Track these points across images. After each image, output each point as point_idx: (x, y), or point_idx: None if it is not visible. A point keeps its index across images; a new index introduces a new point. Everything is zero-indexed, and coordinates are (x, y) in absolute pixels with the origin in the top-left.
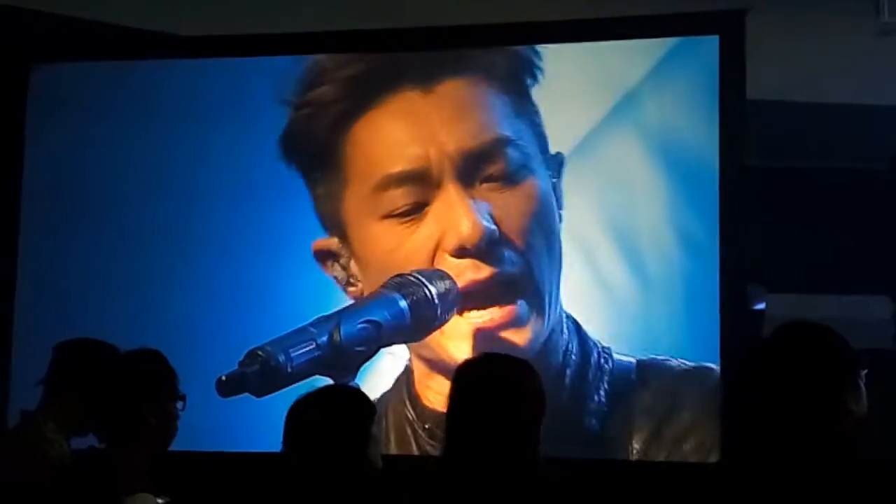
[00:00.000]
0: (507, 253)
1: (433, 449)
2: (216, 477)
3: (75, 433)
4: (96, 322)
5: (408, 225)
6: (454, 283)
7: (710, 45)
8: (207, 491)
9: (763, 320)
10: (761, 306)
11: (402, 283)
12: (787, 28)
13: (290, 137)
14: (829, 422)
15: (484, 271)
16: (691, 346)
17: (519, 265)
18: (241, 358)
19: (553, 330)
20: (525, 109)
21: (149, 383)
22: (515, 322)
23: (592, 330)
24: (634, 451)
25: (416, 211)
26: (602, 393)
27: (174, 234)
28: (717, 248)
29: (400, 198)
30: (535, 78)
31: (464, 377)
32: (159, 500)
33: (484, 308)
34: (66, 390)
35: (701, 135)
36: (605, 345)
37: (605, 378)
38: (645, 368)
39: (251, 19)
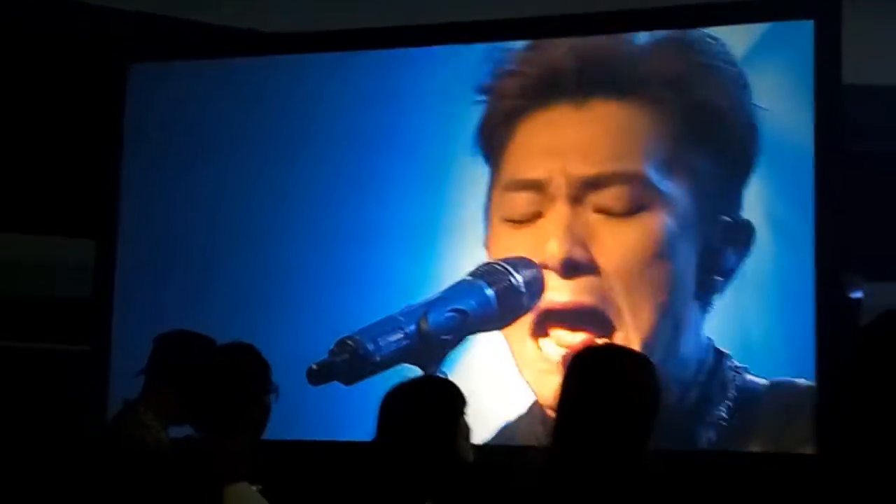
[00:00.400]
0: (590, 283)
1: None
2: (306, 465)
3: (173, 422)
4: (193, 312)
5: (520, 230)
6: (540, 270)
7: (802, 30)
8: (298, 479)
9: (860, 310)
10: (858, 295)
11: (487, 272)
12: (884, 11)
13: (482, 122)
14: None
15: (563, 294)
16: (784, 337)
17: (597, 299)
18: (332, 347)
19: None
20: (696, 155)
21: (244, 376)
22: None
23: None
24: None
25: (529, 220)
26: (723, 408)
27: (270, 226)
28: (811, 237)
29: (519, 203)
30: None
31: (579, 364)
32: (254, 488)
33: (565, 329)
34: (164, 381)
35: (795, 121)
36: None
37: (730, 394)
38: (773, 386)
39: (335, 14)
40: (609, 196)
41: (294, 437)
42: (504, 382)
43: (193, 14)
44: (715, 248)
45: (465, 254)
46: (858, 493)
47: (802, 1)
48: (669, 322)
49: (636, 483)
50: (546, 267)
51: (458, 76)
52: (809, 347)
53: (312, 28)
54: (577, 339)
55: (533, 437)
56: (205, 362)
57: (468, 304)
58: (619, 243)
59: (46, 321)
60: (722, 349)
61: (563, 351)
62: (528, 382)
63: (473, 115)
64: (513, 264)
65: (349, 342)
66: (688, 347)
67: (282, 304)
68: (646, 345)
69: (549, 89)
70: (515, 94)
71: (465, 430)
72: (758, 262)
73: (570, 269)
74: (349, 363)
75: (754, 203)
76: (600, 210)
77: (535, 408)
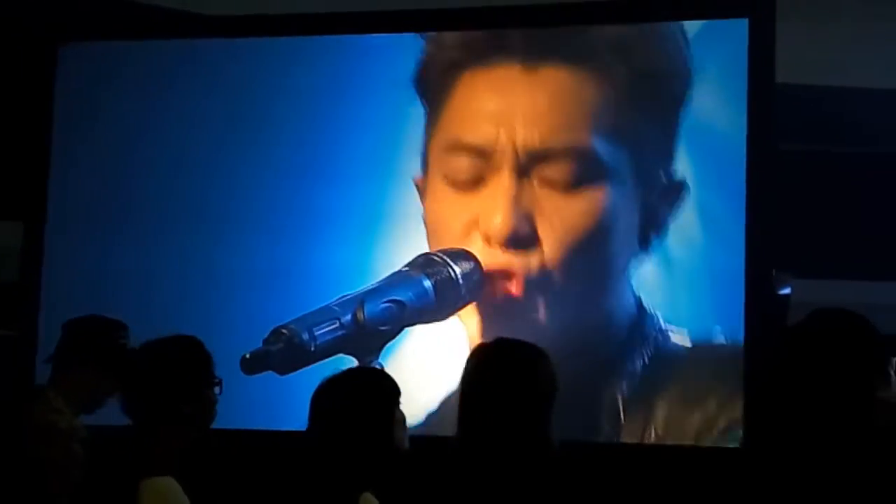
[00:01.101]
0: (533, 257)
1: None
2: (238, 455)
3: (83, 409)
4: (123, 299)
5: (461, 194)
6: (478, 264)
7: (734, 28)
8: (230, 469)
9: (789, 305)
10: (787, 291)
11: (426, 263)
12: (815, 11)
13: (419, 68)
14: (859, 409)
15: (503, 264)
16: (715, 331)
17: (537, 272)
18: (266, 336)
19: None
20: (641, 122)
21: (187, 370)
22: (518, 316)
23: None
24: (654, 429)
25: (471, 184)
26: (639, 362)
27: (204, 212)
28: (742, 232)
29: (462, 167)
30: (682, 95)
31: (476, 361)
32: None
33: (501, 299)
34: (74, 366)
35: (728, 118)
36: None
37: (648, 350)
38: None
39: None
40: (555, 169)
41: (227, 427)
42: (441, 373)
43: None
44: (652, 207)
45: (405, 245)
46: (784, 485)
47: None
48: (601, 283)
49: (533, 469)
50: (489, 240)
51: (402, 62)
52: (738, 340)
53: (255, 11)
54: (509, 297)
55: None
56: (145, 352)
57: (405, 296)
58: (562, 218)
59: None
60: (648, 308)
61: (491, 304)
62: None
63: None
64: (451, 256)
65: (284, 331)
66: (615, 304)
67: (217, 291)
68: (577, 309)
69: (495, 49)
70: (457, 45)
71: (400, 420)
72: (690, 257)
73: (514, 242)
74: (284, 352)
75: (689, 196)
76: (545, 183)
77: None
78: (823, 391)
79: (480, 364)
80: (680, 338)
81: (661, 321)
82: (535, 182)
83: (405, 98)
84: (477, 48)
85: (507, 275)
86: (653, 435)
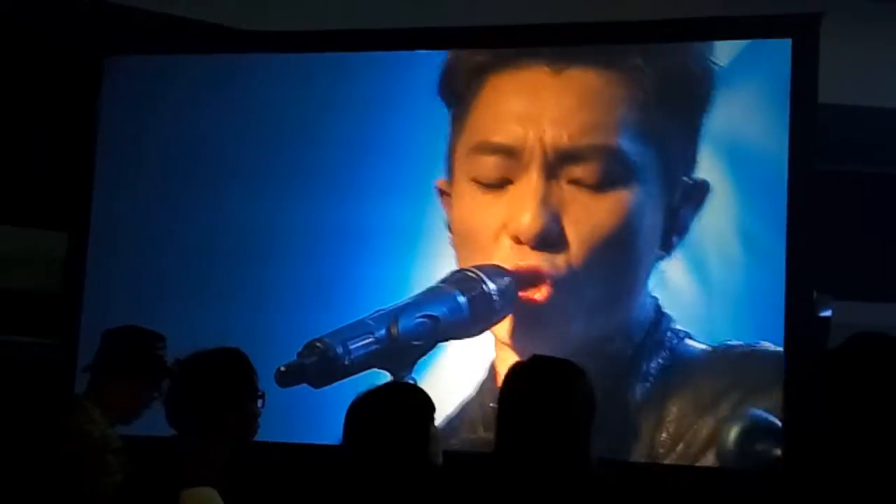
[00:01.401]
0: (560, 258)
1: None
2: (276, 468)
3: (121, 419)
4: (164, 310)
5: (489, 195)
6: (513, 279)
7: (777, 48)
8: (264, 482)
9: (829, 328)
10: (828, 313)
11: (461, 279)
12: (861, 33)
13: (444, 72)
14: None
15: (530, 260)
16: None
17: (565, 272)
18: (301, 349)
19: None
20: (665, 123)
21: (231, 382)
22: (554, 320)
23: None
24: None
25: (499, 185)
26: (654, 364)
27: (246, 226)
28: (783, 253)
29: (489, 167)
30: (706, 96)
31: (513, 381)
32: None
33: (529, 300)
34: (112, 377)
35: (770, 137)
36: (682, 329)
37: (663, 353)
38: (715, 352)
39: (313, 16)
40: (583, 169)
41: (261, 439)
42: (473, 388)
43: (171, 8)
44: (675, 209)
45: (441, 260)
46: None
47: (781, 19)
48: (625, 284)
49: (570, 488)
50: (518, 239)
51: (429, 71)
52: (779, 362)
53: (295, 27)
54: (536, 294)
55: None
56: (191, 363)
57: (440, 311)
58: (590, 218)
59: (17, 313)
60: (665, 311)
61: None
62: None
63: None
64: (486, 272)
65: (318, 344)
66: (636, 305)
67: (254, 304)
68: (591, 309)
69: (522, 51)
70: (485, 50)
71: (435, 436)
72: (730, 276)
73: (542, 242)
74: (318, 366)
75: (729, 216)
76: (573, 182)
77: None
78: (863, 417)
79: (517, 382)
80: (693, 343)
81: (676, 324)
82: (563, 182)
83: (434, 107)
84: (505, 51)
85: (535, 274)
86: (664, 436)
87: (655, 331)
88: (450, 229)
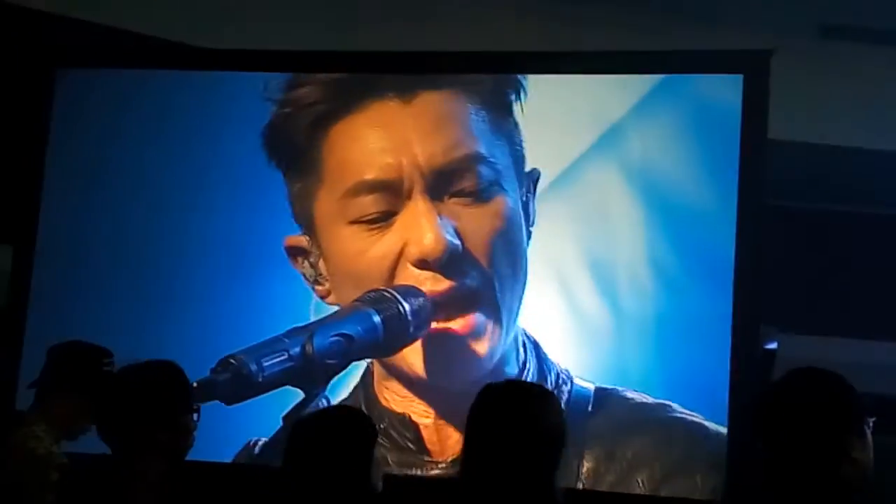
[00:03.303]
0: (469, 268)
1: (384, 449)
2: (211, 488)
3: (68, 435)
4: (95, 324)
5: (375, 232)
6: (427, 300)
7: (698, 82)
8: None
9: (774, 360)
10: (773, 346)
11: (376, 299)
12: (810, 70)
13: (271, 133)
14: (831, 468)
15: (444, 284)
16: (701, 382)
17: (479, 280)
18: (214, 365)
19: (511, 344)
20: (504, 126)
21: (162, 396)
22: (473, 334)
23: (563, 356)
24: (583, 475)
25: (384, 219)
26: None
27: (172, 241)
28: (730, 286)
29: (369, 205)
30: (517, 95)
31: (484, 404)
32: None
33: (444, 320)
34: (58, 392)
35: (719, 172)
36: (564, 367)
37: (562, 398)
38: (603, 395)
39: (260, 34)
40: (462, 182)
41: None
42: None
43: (122, 22)
44: (524, 202)
45: None
46: None
47: (732, 55)
48: (520, 291)
49: None
50: (425, 261)
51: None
52: (724, 394)
53: (245, 46)
54: (453, 320)
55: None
56: (122, 377)
57: (354, 330)
58: (480, 227)
59: None
60: (542, 349)
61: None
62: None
63: None
64: (401, 292)
65: (232, 361)
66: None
67: (174, 321)
68: (507, 321)
69: (365, 90)
70: (320, 98)
71: (376, 461)
72: (679, 308)
73: (450, 258)
74: (231, 382)
75: (679, 250)
76: (456, 196)
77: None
78: (796, 450)
79: (488, 405)
80: (583, 384)
81: (560, 367)
82: (447, 198)
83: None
84: (344, 94)
85: (454, 295)
86: (582, 476)
87: (545, 371)
88: (317, 282)
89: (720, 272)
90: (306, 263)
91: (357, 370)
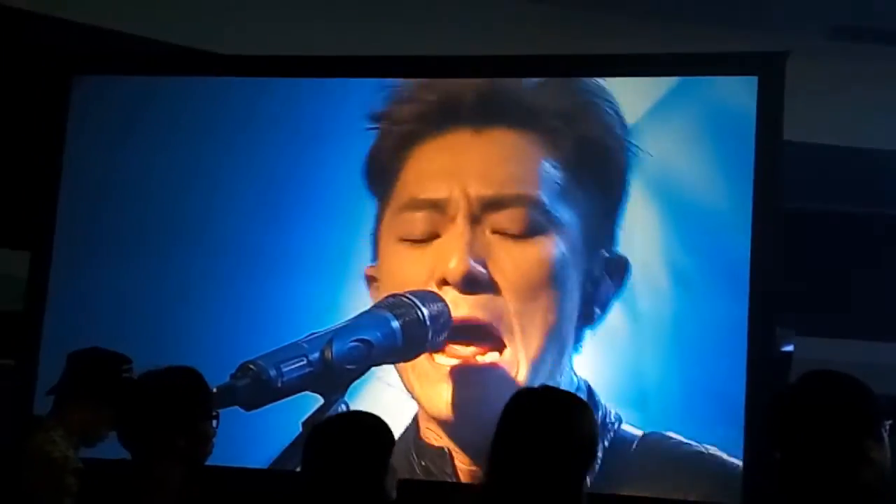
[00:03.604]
0: (487, 300)
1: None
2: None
3: (86, 441)
4: (112, 332)
5: (417, 250)
6: (446, 305)
7: (713, 84)
8: None
9: (791, 363)
10: (789, 349)
11: (394, 304)
12: (823, 71)
13: (368, 157)
14: (849, 471)
15: (461, 309)
16: (717, 386)
17: (494, 314)
18: (234, 371)
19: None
20: (587, 188)
21: (182, 402)
22: (488, 366)
23: (579, 359)
24: None
25: (427, 239)
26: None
27: (189, 249)
28: (746, 289)
29: (417, 222)
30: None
31: (517, 405)
32: None
33: (461, 343)
34: (75, 399)
35: (735, 175)
36: (616, 412)
37: (608, 436)
38: (648, 439)
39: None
40: (506, 217)
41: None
42: (408, 414)
43: (139, 29)
44: (596, 279)
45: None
46: None
47: (748, 57)
48: (556, 345)
49: None
50: (446, 282)
51: (355, 106)
52: (740, 396)
53: (262, 52)
54: (469, 351)
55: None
56: (142, 383)
57: (373, 335)
58: (514, 263)
59: None
60: (595, 392)
61: (453, 362)
62: (412, 390)
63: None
64: (420, 297)
65: (251, 367)
66: (567, 366)
67: (192, 326)
68: (533, 365)
69: (447, 116)
70: (412, 119)
71: (392, 469)
72: (695, 311)
73: (470, 284)
74: (250, 388)
75: (695, 253)
76: (497, 230)
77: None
78: (813, 453)
79: (521, 409)
80: (630, 429)
81: (610, 410)
82: (488, 230)
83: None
84: (429, 118)
85: (463, 317)
86: None
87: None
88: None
89: (736, 274)
90: (373, 292)
91: (371, 382)
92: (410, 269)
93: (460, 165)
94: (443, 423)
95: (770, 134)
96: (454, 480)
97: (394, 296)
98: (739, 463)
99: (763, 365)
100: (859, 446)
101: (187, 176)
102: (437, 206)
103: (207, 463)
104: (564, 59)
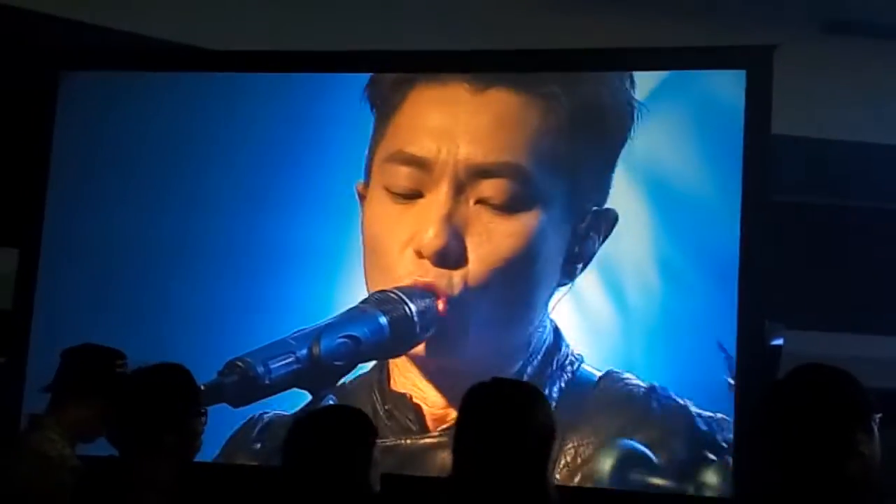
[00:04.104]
0: (456, 275)
1: (388, 430)
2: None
3: (82, 438)
4: (102, 327)
5: (399, 205)
6: (434, 300)
7: (701, 78)
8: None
9: (780, 356)
10: (779, 342)
11: (382, 300)
12: (813, 65)
13: (373, 78)
14: (837, 464)
15: (429, 280)
16: (705, 379)
17: (464, 289)
18: (221, 368)
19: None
20: (577, 153)
21: (170, 399)
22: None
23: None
24: (568, 452)
25: (410, 196)
26: (556, 389)
27: (179, 242)
28: (734, 282)
29: (402, 177)
30: (624, 129)
31: (472, 400)
32: None
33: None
34: (72, 395)
35: (723, 168)
36: (577, 353)
37: (564, 377)
38: (606, 379)
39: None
40: (491, 188)
41: None
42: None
43: (125, 25)
44: (580, 236)
45: (364, 281)
46: None
47: (735, 51)
48: (522, 306)
49: None
50: (420, 253)
51: (349, 101)
52: (730, 391)
53: (251, 47)
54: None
55: None
56: (130, 380)
57: (361, 331)
58: (491, 239)
59: None
60: (562, 334)
61: None
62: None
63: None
64: (408, 293)
65: (239, 364)
66: (533, 328)
67: (181, 323)
68: (495, 329)
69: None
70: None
71: (375, 461)
72: (684, 305)
73: (442, 260)
74: (238, 385)
75: (684, 247)
76: (480, 202)
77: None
78: (802, 446)
79: (477, 404)
80: (590, 369)
81: (572, 351)
82: (471, 201)
83: (358, 116)
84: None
85: (435, 291)
86: (562, 465)
87: (555, 353)
88: (363, 235)
89: (725, 267)
90: (363, 211)
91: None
92: (389, 228)
93: (452, 124)
94: (414, 362)
95: (758, 127)
96: (417, 427)
97: (381, 292)
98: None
99: (752, 358)
100: (849, 439)
101: (175, 172)
102: (422, 164)
103: (196, 459)
104: (551, 54)
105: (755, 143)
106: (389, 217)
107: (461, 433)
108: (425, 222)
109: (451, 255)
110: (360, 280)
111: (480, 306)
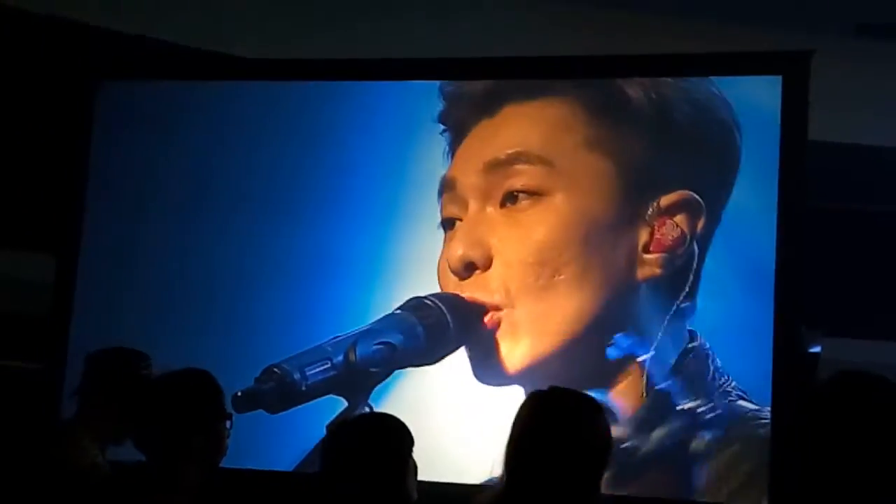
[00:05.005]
0: (488, 280)
1: None
2: (231, 495)
3: (112, 442)
4: (140, 334)
5: (445, 235)
6: (471, 308)
7: (738, 84)
8: None
9: (818, 364)
10: (816, 350)
11: (417, 306)
12: (847, 69)
13: (444, 113)
14: (879, 474)
15: (465, 291)
16: (742, 388)
17: (498, 295)
18: (258, 374)
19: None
20: (606, 137)
21: (196, 403)
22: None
23: None
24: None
25: (449, 225)
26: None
27: (213, 253)
28: (771, 290)
29: (443, 208)
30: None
31: (529, 409)
32: None
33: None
34: (97, 399)
35: (760, 175)
36: None
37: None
38: None
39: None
40: (512, 174)
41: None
42: (432, 416)
43: (165, 34)
44: (649, 224)
45: (402, 288)
46: None
47: (771, 56)
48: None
49: None
50: (450, 269)
51: (412, 109)
52: (766, 399)
53: (283, 56)
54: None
55: None
56: (156, 385)
57: (397, 338)
58: (516, 234)
59: (3, 337)
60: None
61: None
62: None
63: (430, 147)
64: (442, 300)
65: (276, 370)
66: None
67: (218, 330)
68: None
69: (470, 109)
70: (463, 110)
71: (412, 469)
72: (719, 312)
73: (467, 269)
74: (275, 391)
75: (720, 253)
76: (508, 198)
77: None
78: (846, 456)
79: (534, 413)
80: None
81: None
82: (491, 207)
83: (400, 126)
84: (491, 97)
85: (477, 304)
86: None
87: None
88: None
89: (761, 274)
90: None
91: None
92: (440, 254)
93: (475, 151)
94: None
95: (795, 133)
96: None
97: (417, 298)
98: None
99: (789, 366)
100: (892, 448)
101: (212, 178)
102: (448, 186)
103: (232, 466)
104: (588, 60)
105: (792, 148)
106: (439, 243)
107: (516, 440)
108: (453, 241)
109: (473, 264)
110: (396, 286)
111: (528, 304)
